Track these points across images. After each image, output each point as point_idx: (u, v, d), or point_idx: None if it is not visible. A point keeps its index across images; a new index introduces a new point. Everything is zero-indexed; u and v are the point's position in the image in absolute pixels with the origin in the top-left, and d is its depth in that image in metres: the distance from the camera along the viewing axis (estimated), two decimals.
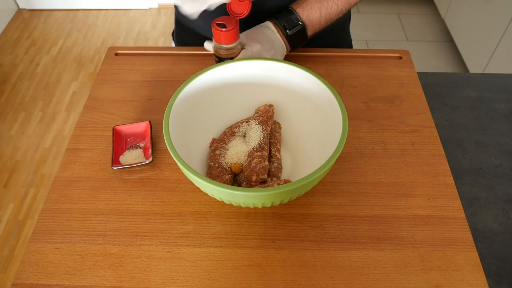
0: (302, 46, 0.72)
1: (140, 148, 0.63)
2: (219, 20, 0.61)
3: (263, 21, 0.71)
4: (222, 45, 0.63)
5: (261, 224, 0.55)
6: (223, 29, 0.60)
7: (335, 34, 0.84)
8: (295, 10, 0.68)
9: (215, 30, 0.62)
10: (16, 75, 2.02)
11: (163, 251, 0.53)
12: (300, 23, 0.68)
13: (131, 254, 0.52)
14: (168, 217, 0.56)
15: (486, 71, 1.77)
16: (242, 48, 0.65)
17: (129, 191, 0.59)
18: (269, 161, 0.58)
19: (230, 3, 0.62)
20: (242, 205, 0.51)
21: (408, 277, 0.50)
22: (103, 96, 0.72)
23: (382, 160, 0.62)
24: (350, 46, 0.95)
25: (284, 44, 0.69)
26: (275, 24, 0.68)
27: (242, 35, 0.68)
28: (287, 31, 0.67)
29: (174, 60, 0.77)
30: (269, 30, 0.67)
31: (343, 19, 0.78)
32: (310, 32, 0.70)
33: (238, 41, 0.64)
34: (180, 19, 0.88)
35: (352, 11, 1.89)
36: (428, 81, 0.84)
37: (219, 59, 0.65)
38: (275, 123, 0.63)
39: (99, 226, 0.55)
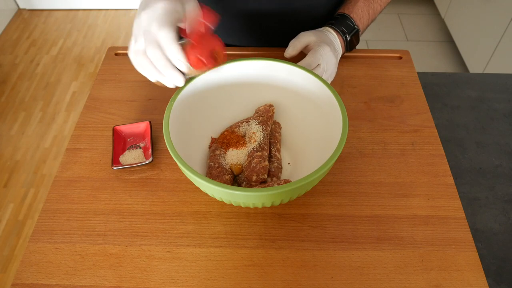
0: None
1: (140, 148, 0.63)
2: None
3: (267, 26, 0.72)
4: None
5: (261, 224, 0.55)
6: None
7: None
8: (349, 15, 0.72)
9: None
10: (16, 75, 2.02)
11: (163, 251, 0.53)
12: (356, 27, 0.71)
13: (131, 254, 0.52)
14: (168, 217, 0.56)
15: (486, 71, 1.77)
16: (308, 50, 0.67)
17: (129, 191, 0.59)
18: (269, 161, 0.58)
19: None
20: (242, 205, 0.51)
21: (408, 277, 0.50)
22: (103, 96, 0.72)
23: (382, 160, 0.62)
24: None
25: (341, 50, 0.71)
26: (335, 30, 0.71)
27: (312, 34, 0.68)
28: (346, 35, 0.71)
29: None
30: (332, 35, 0.70)
31: None
32: (361, 34, 0.74)
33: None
34: None
35: None
36: (428, 81, 0.84)
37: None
38: (275, 123, 0.63)
39: (99, 226, 0.55)
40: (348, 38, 0.71)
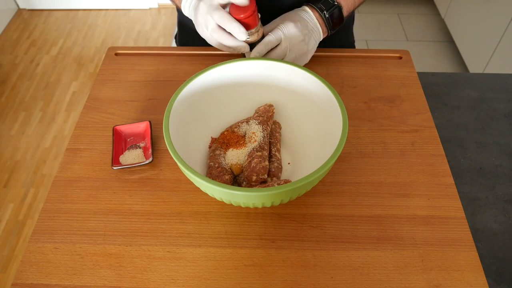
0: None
1: (140, 148, 0.63)
2: (236, 6, 0.60)
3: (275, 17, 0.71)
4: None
5: (261, 224, 0.55)
6: (239, 16, 0.60)
7: (339, 35, 0.84)
8: None
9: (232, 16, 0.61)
10: (16, 75, 2.02)
11: (163, 251, 0.53)
12: (336, 3, 0.68)
13: (131, 254, 0.52)
14: (168, 217, 0.56)
15: (486, 71, 1.77)
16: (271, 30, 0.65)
17: (129, 191, 0.59)
18: (269, 161, 0.58)
19: (230, 7, 0.61)
20: (242, 205, 0.51)
21: (408, 277, 0.50)
22: (103, 96, 0.72)
23: (382, 160, 0.62)
24: (353, 47, 0.94)
25: (320, 28, 0.68)
26: (311, 7, 0.68)
27: (278, 17, 0.67)
28: (324, 12, 0.67)
29: (174, 60, 0.77)
30: (306, 13, 0.67)
31: (348, 19, 0.78)
32: (345, 12, 0.70)
33: (258, 26, 0.62)
34: (183, 22, 0.88)
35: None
36: (428, 81, 0.84)
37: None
38: (275, 123, 0.63)
39: (99, 226, 0.55)
40: (327, 15, 0.67)
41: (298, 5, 0.70)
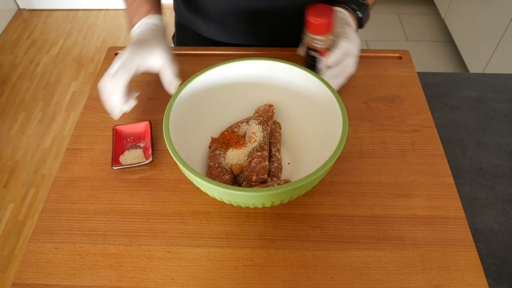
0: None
1: (140, 148, 0.63)
2: (313, 10, 0.59)
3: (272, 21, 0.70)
4: (316, 36, 0.61)
5: (261, 224, 0.55)
6: (320, 19, 0.58)
7: None
8: None
9: (311, 20, 0.59)
10: (16, 75, 2.02)
11: (163, 251, 0.53)
12: (366, 2, 0.69)
13: (131, 254, 0.52)
14: (168, 217, 0.56)
15: (486, 71, 1.77)
16: (337, 36, 0.64)
17: (129, 191, 0.59)
18: (269, 161, 0.58)
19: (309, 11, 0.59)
20: (242, 205, 0.51)
21: (408, 277, 0.50)
22: None
23: (382, 160, 0.62)
24: None
25: (354, 28, 0.69)
26: (345, 9, 0.68)
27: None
28: (357, 12, 0.68)
29: None
30: (344, 14, 0.68)
31: None
32: (370, 9, 0.71)
33: (332, 32, 0.61)
34: (182, 22, 0.88)
35: None
36: (428, 81, 0.83)
37: (312, 51, 0.63)
38: (275, 123, 0.63)
39: (99, 226, 0.55)
40: (360, 15, 0.68)
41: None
